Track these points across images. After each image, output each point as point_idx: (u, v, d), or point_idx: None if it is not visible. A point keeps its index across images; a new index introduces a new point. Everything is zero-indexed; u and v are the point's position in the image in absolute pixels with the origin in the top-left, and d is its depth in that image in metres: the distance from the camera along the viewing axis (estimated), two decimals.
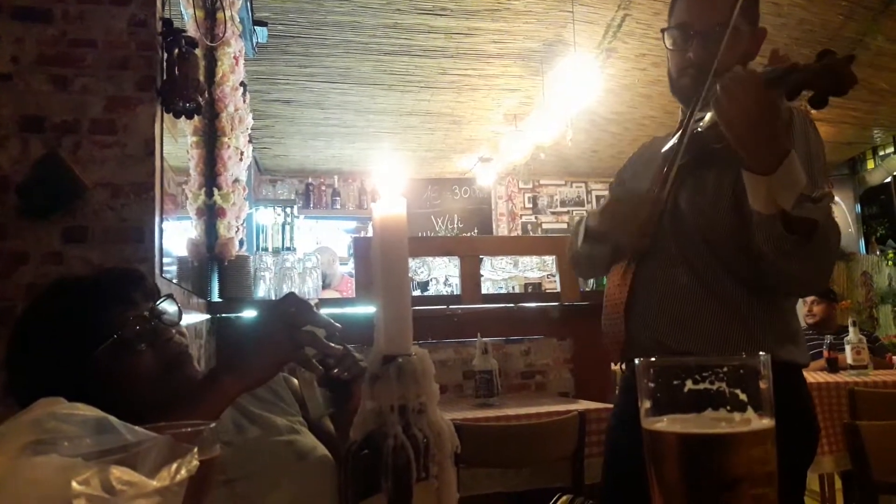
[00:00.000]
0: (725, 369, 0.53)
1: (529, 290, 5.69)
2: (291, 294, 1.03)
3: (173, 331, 1.13)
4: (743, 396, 0.52)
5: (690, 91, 1.51)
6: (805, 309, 4.66)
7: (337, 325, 1.01)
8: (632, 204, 1.52)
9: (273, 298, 3.56)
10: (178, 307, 1.15)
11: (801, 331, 1.54)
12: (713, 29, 1.48)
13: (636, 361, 0.57)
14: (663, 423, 0.54)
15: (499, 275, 5.01)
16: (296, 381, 1.30)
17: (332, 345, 0.99)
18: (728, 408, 0.53)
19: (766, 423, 0.52)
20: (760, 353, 0.54)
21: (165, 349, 1.11)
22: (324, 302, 3.44)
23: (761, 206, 1.29)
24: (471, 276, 3.49)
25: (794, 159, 1.26)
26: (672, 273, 1.47)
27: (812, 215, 1.28)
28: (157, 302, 1.12)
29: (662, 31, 1.59)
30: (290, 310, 0.99)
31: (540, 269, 5.42)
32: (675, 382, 0.54)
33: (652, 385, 0.56)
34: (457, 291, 3.75)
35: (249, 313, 3.30)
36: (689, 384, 0.54)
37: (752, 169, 1.28)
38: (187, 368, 1.12)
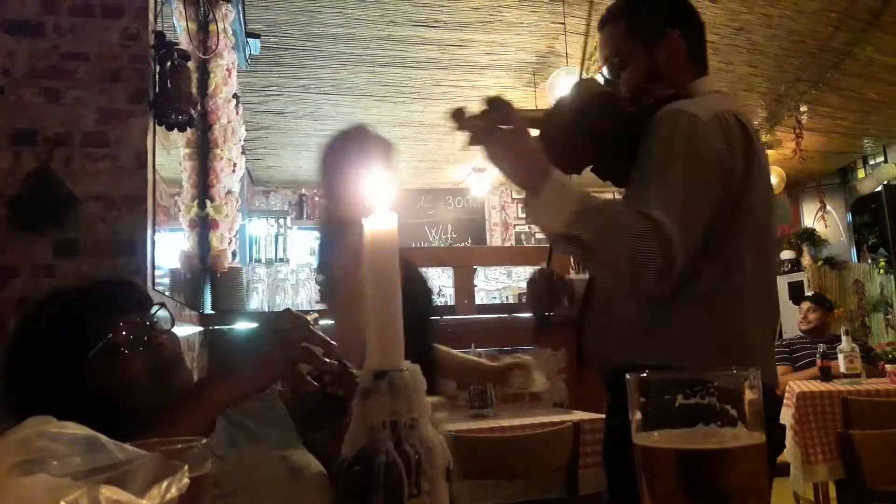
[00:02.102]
0: (716, 384, 0.53)
1: (523, 300, 5.70)
2: (288, 310, 1.03)
3: (164, 336, 1.13)
4: (733, 412, 0.53)
5: None
6: (800, 316, 4.68)
7: (332, 342, 1.00)
8: None
9: (266, 310, 3.55)
10: (171, 314, 1.15)
11: (753, 348, 1.41)
12: (610, 62, 1.58)
13: (627, 376, 0.57)
14: (655, 438, 0.54)
15: (492, 285, 5.02)
16: (290, 395, 1.29)
17: (328, 361, 0.99)
18: (719, 423, 0.53)
19: (757, 437, 0.52)
20: (750, 368, 0.54)
21: (157, 354, 1.11)
22: (323, 314, 3.43)
23: (541, 230, 1.37)
24: (464, 287, 3.49)
25: (557, 186, 1.28)
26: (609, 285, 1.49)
27: (582, 234, 1.28)
28: (150, 310, 1.13)
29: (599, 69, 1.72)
30: (285, 326, 0.99)
31: None
32: (667, 397, 0.54)
33: (643, 399, 0.56)
34: (451, 302, 3.75)
35: (242, 325, 3.29)
36: (679, 399, 0.54)
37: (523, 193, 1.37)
38: (180, 373, 1.12)
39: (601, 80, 1.61)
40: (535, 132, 1.45)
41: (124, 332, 1.08)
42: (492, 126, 1.30)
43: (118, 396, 1.05)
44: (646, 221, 1.25)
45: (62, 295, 1.17)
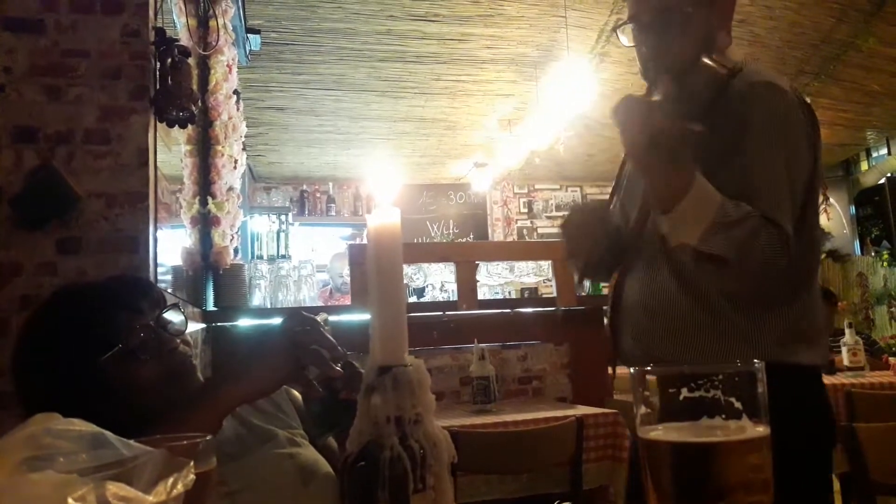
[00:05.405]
0: (720, 377, 0.53)
1: (526, 295, 5.70)
2: (298, 312, 1.02)
3: (178, 340, 1.13)
4: (738, 404, 0.52)
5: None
6: None
7: (340, 349, 0.99)
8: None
9: (268, 307, 3.55)
10: (184, 316, 1.15)
11: (819, 328, 1.35)
12: (660, 17, 1.34)
13: (632, 370, 0.57)
14: (659, 432, 0.54)
15: (495, 280, 5.02)
16: (297, 393, 1.30)
17: (336, 368, 0.98)
18: (723, 416, 0.53)
19: (762, 430, 0.52)
20: (755, 360, 0.54)
21: (170, 359, 1.10)
22: (331, 310, 3.42)
23: (667, 237, 1.23)
24: (467, 282, 3.49)
25: (698, 197, 1.17)
26: (659, 282, 1.39)
27: (719, 250, 1.17)
28: (163, 311, 1.12)
29: (614, 28, 1.46)
30: (296, 328, 0.99)
31: (536, 273, 5.43)
32: (671, 391, 0.54)
33: (647, 393, 0.56)
34: (453, 297, 3.75)
35: (245, 322, 3.30)
36: (684, 392, 0.54)
37: (651, 204, 1.23)
38: (191, 378, 1.12)
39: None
40: None
41: (141, 335, 1.07)
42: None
43: (128, 399, 1.05)
44: (775, 230, 1.19)
45: (75, 291, 1.16)
